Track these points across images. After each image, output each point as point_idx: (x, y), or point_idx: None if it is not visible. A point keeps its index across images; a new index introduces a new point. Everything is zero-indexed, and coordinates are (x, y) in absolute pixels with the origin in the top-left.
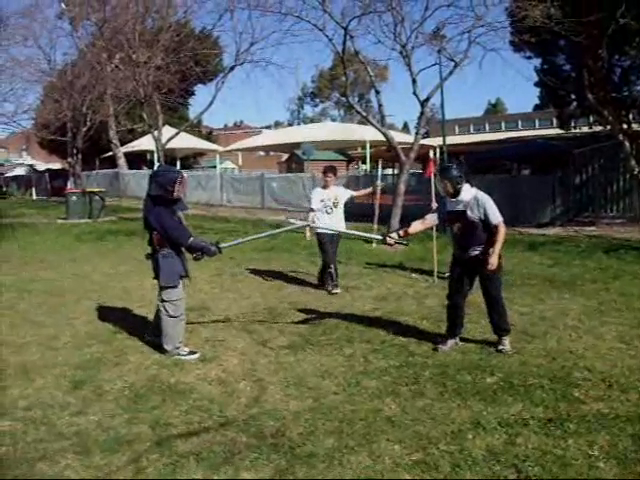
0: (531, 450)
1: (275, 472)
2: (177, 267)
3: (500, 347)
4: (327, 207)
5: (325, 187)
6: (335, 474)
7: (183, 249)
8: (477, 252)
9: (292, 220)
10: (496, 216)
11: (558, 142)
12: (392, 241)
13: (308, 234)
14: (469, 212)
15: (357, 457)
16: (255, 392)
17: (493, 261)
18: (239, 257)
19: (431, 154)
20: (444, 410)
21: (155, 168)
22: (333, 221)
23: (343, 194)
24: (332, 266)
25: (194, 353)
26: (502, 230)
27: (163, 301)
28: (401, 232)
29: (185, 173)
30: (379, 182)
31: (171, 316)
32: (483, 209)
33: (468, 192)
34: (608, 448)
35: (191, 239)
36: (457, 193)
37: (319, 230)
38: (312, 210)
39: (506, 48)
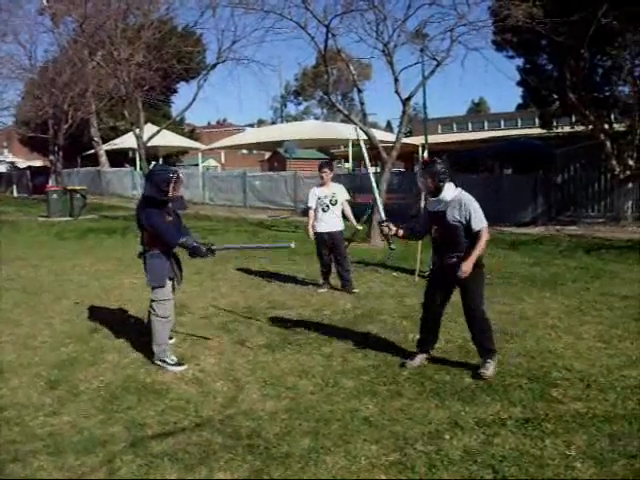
0: (508, 450)
1: (250, 473)
2: (164, 268)
3: (481, 370)
4: (324, 205)
5: (322, 185)
6: (310, 475)
7: (178, 249)
8: (455, 260)
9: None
10: (480, 220)
11: (540, 142)
12: (387, 230)
13: (311, 233)
14: (449, 213)
15: (333, 457)
16: (232, 392)
17: (466, 268)
18: (218, 255)
19: (426, 154)
20: (422, 410)
21: (151, 167)
22: (331, 219)
23: (341, 192)
24: (326, 266)
25: (181, 365)
26: (484, 237)
27: (152, 301)
28: (393, 229)
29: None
30: (359, 226)
31: (158, 316)
32: (467, 212)
33: (450, 191)
34: (585, 448)
35: (182, 239)
36: (438, 191)
37: (317, 229)
38: (309, 208)
39: (489, 47)
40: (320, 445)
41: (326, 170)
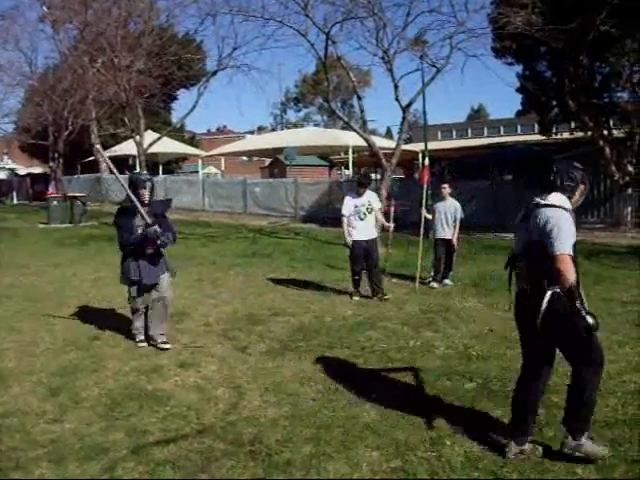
0: (509, 456)
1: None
2: (127, 271)
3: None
4: (360, 213)
5: (358, 194)
6: None
7: (152, 250)
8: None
9: None
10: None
11: (540, 148)
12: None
13: (349, 240)
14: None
15: (335, 464)
16: (233, 399)
17: None
18: (220, 262)
19: (426, 161)
20: (423, 416)
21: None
22: (366, 227)
23: (376, 200)
24: (358, 275)
25: (143, 342)
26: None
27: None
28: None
29: (157, 178)
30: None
31: (132, 308)
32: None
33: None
34: None
35: (132, 236)
36: None
37: (355, 237)
38: (343, 215)
39: (488, 54)
40: (321, 452)
41: (366, 183)
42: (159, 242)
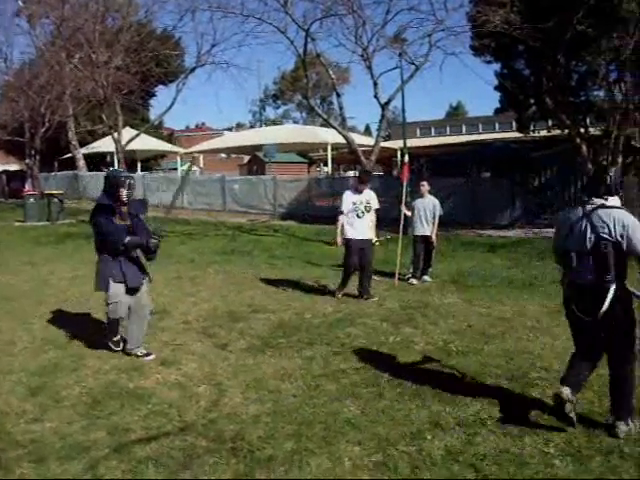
0: (489, 449)
1: (235, 476)
2: (109, 270)
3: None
4: (359, 210)
5: (358, 190)
6: (295, 477)
7: (136, 254)
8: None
9: None
10: None
11: (517, 145)
12: None
13: (339, 240)
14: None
15: (317, 460)
16: (214, 396)
17: None
18: (199, 260)
19: (406, 159)
20: (403, 411)
21: (106, 172)
22: (363, 226)
23: (374, 199)
24: (351, 275)
25: (118, 344)
26: None
27: (105, 303)
28: None
29: (136, 175)
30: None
31: (109, 317)
32: None
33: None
34: (564, 445)
35: (127, 239)
36: None
37: (350, 236)
38: (341, 213)
39: (467, 52)
40: (303, 447)
41: (365, 179)
42: (151, 256)
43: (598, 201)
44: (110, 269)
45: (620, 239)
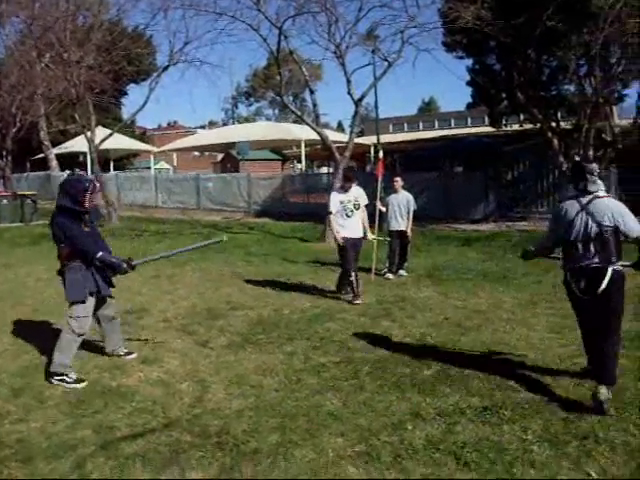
0: (469, 437)
1: (221, 470)
2: (86, 281)
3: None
4: (347, 210)
5: (344, 189)
6: (280, 468)
7: (98, 263)
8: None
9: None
10: None
11: (490, 139)
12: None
13: (339, 239)
14: None
15: (301, 451)
16: (197, 392)
17: None
18: (175, 259)
19: (380, 154)
20: (384, 403)
21: (64, 177)
22: (353, 224)
23: (363, 196)
24: (353, 274)
25: (82, 381)
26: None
27: (69, 317)
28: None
29: (100, 177)
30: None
31: (73, 332)
32: None
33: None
34: (541, 432)
35: (99, 253)
36: None
37: (344, 235)
38: (329, 213)
39: (439, 48)
40: (288, 440)
41: (351, 177)
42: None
43: (593, 188)
44: (86, 279)
45: (617, 224)
